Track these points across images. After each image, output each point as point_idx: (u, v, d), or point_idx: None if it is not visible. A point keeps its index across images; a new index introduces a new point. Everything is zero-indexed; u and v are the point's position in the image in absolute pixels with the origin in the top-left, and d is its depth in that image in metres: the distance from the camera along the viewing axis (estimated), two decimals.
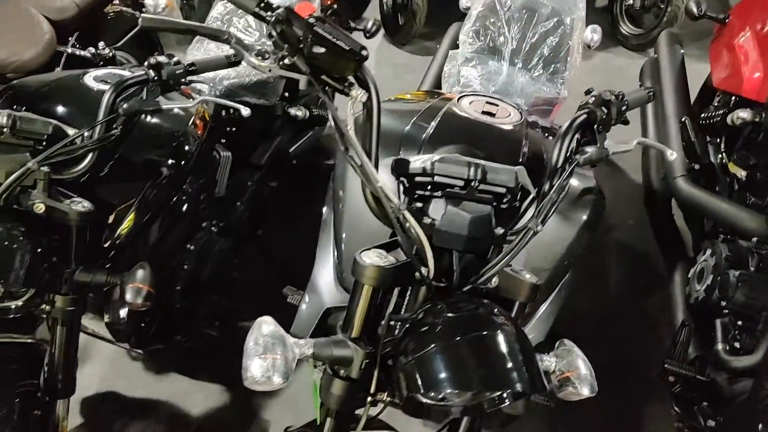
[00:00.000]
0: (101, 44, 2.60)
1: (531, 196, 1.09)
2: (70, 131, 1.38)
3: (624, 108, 1.22)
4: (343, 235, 1.47)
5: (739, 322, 1.60)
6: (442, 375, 0.94)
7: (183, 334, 1.96)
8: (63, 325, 1.45)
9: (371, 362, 1.03)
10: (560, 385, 1.06)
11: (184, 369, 2.26)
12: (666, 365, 1.67)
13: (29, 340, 1.52)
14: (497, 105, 1.67)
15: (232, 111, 1.64)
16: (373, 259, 1.01)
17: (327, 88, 1.06)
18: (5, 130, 1.29)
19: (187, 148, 1.73)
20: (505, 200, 1.08)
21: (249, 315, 2.16)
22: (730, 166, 1.93)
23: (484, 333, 0.97)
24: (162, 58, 1.45)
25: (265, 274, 2.52)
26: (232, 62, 1.56)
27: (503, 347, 0.95)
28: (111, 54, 2.64)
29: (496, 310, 1.02)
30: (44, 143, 1.35)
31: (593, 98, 1.20)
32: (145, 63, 1.45)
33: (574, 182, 1.48)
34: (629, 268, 2.65)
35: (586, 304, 2.21)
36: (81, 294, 1.45)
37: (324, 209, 1.66)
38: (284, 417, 2.12)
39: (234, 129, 2.10)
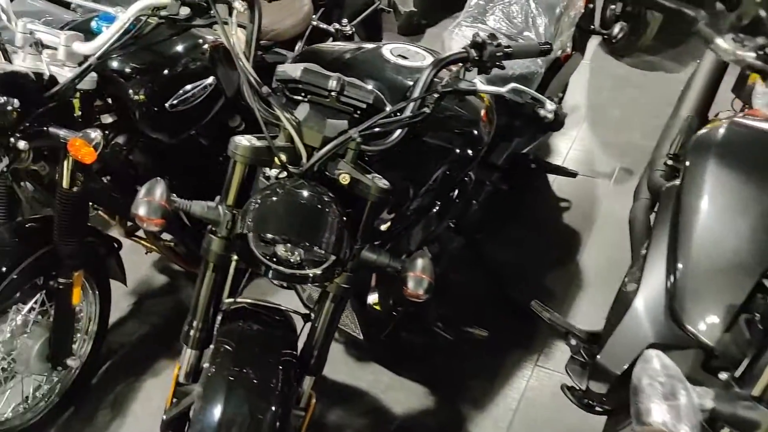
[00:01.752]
0: (344, 21, 2.60)
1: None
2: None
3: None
4: (686, 260, 1.27)
5: None
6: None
7: (410, 331, 1.86)
8: (333, 301, 1.38)
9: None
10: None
11: (388, 362, 2.19)
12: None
13: (293, 310, 1.49)
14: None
15: None
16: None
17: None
18: (333, 93, 1.24)
19: (478, 137, 1.62)
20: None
21: (468, 320, 2.20)
22: None
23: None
24: (485, 37, 1.34)
25: (481, 278, 2.40)
26: (544, 51, 1.43)
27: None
28: (352, 31, 2.63)
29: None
30: (359, 112, 1.28)
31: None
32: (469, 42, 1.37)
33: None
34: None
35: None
36: (355, 273, 1.37)
37: (654, 227, 1.48)
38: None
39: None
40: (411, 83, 1.42)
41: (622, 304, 1.81)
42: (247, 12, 1.40)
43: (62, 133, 1.53)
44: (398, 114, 1.30)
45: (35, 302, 1.79)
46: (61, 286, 1.78)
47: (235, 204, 1.30)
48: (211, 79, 1.88)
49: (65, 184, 1.65)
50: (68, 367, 1.93)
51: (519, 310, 2.30)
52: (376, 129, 1.26)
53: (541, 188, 2.88)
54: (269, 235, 1.21)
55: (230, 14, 1.35)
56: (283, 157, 1.24)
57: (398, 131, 1.31)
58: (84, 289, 1.95)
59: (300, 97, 1.27)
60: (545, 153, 3.08)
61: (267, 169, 1.33)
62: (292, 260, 1.25)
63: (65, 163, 1.62)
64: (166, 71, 1.76)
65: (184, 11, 1.56)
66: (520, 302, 2.33)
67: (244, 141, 1.26)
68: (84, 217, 1.76)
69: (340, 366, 2.19)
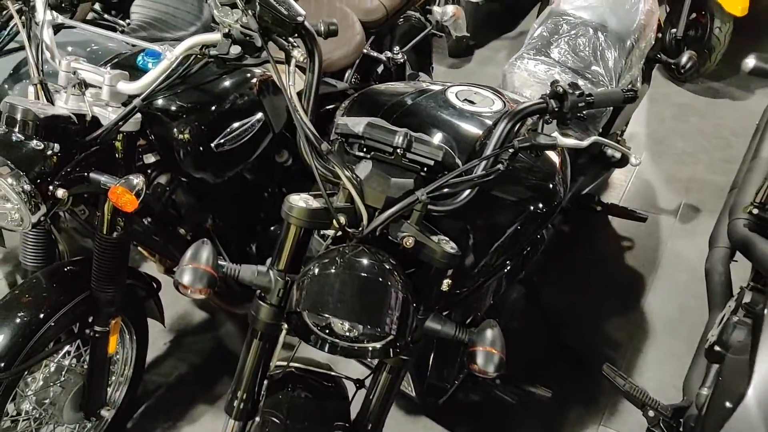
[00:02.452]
0: (396, 48, 2.49)
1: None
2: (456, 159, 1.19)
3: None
4: None
5: None
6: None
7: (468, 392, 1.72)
8: (391, 372, 1.26)
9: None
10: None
11: (440, 418, 2.04)
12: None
13: (345, 376, 1.36)
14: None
15: None
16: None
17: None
18: (399, 150, 1.12)
19: (555, 192, 1.48)
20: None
21: (529, 378, 2.01)
22: None
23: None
24: (566, 87, 1.21)
25: (539, 326, 2.23)
26: (628, 98, 1.28)
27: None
28: (403, 59, 2.52)
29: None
30: (426, 170, 1.16)
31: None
32: (546, 91, 1.23)
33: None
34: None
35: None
36: (416, 344, 1.24)
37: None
38: None
39: None
40: (480, 133, 1.30)
41: (703, 367, 1.66)
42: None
43: (103, 179, 1.44)
44: (469, 172, 1.16)
45: (70, 349, 1.71)
46: (97, 335, 1.69)
47: (287, 269, 1.18)
48: (259, 116, 1.78)
49: (104, 230, 1.56)
50: (102, 417, 1.84)
51: (579, 363, 2.13)
52: (445, 189, 1.12)
53: (601, 225, 2.70)
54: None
55: (288, 63, 1.24)
56: (342, 220, 1.12)
57: (468, 190, 1.17)
58: (121, 333, 1.86)
59: (361, 153, 1.15)
60: (602, 187, 2.90)
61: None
62: (349, 334, 1.12)
63: (105, 208, 1.53)
64: (212, 109, 1.66)
65: (235, 50, 1.46)
66: (581, 354, 2.17)
67: (300, 202, 1.15)
68: (124, 263, 1.67)
69: (388, 419, 2.06)
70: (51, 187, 1.37)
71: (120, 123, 1.46)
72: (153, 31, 2.75)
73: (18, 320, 1.54)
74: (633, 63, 2.05)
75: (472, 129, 1.40)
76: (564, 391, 2.06)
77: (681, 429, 1.47)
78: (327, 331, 1.13)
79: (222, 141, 1.69)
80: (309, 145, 1.15)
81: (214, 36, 1.48)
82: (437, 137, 1.37)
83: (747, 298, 1.56)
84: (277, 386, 1.28)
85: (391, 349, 1.12)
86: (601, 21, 2.00)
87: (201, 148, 1.66)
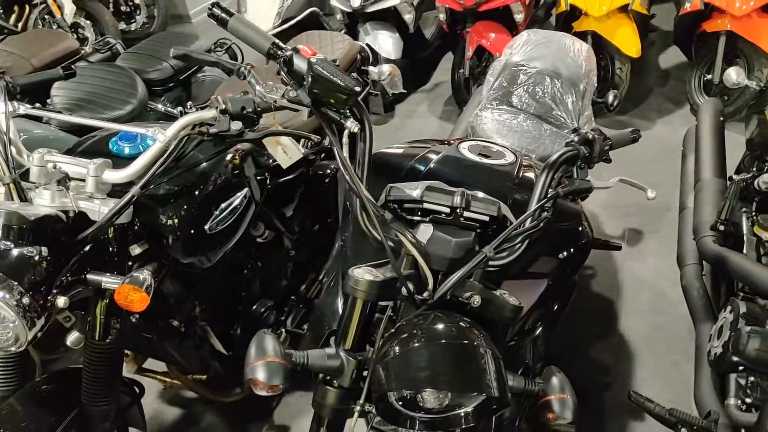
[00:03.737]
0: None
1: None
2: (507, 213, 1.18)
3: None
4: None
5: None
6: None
7: None
8: None
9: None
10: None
11: None
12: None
13: None
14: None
15: None
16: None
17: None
18: (459, 210, 1.10)
19: (585, 234, 1.51)
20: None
21: None
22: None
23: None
24: (593, 133, 1.26)
25: None
26: (635, 138, 1.40)
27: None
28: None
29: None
30: (480, 227, 1.15)
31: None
32: (573, 138, 1.28)
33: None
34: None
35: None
36: None
37: None
38: None
39: None
40: (508, 185, 1.32)
41: (709, 378, 1.74)
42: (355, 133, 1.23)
43: (105, 279, 1.30)
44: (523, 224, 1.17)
45: None
46: None
47: (355, 347, 1.11)
48: (245, 191, 1.70)
49: (97, 335, 1.40)
50: None
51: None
52: (505, 243, 1.12)
53: None
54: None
55: (341, 137, 1.19)
56: (411, 287, 1.08)
57: (522, 242, 1.18)
58: None
59: (417, 217, 1.12)
60: None
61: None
62: (439, 406, 1.06)
63: (97, 311, 1.38)
64: (202, 190, 1.57)
65: (235, 125, 1.39)
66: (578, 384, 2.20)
67: (366, 275, 1.09)
68: (119, 370, 1.50)
69: None
70: (50, 297, 1.22)
71: (114, 217, 1.33)
72: (82, 113, 2.58)
73: None
74: (586, 104, 2.19)
75: (499, 182, 1.42)
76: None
77: None
78: (413, 408, 1.06)
79: (214, 222, 1.59)
80: (366, 215, 1.11)
81: (210, 113, 1.41)
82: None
83: (743, 308, 1.66)
84: None
85: (487, 410, 1.06)
86: (554, 69, 2.13)
87: (193, 232, 1.55)
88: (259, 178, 1.77)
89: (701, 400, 1.72)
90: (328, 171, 2.37)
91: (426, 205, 1.14)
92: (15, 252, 1.19)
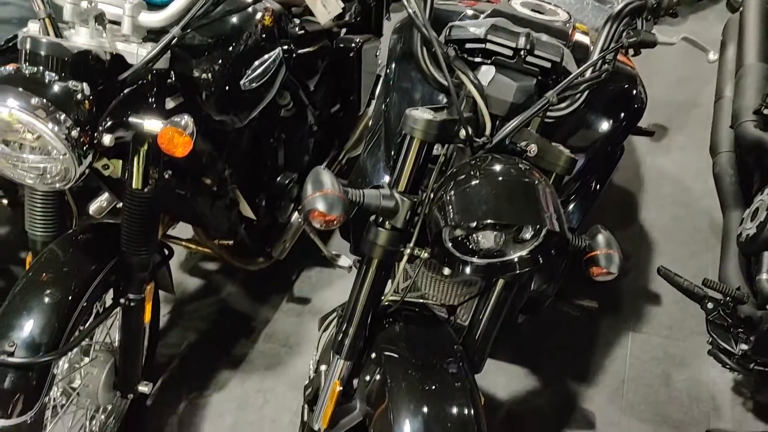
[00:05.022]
0: None
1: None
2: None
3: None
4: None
5: None
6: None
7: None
8: (504, 289, 1.22)
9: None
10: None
11: None
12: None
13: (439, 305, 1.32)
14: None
15: None
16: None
17: None
18: (523, 53, 1.06)
19: (639, 98, 1.47)
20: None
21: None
22: None
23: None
24: None
25: None
26: None
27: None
28: None
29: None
30: (540, 73, 1.12)
31: None
32: None
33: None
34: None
35: None
36: None
37: None
38: None
39: None
40: (564, 44, 1.28)
41: (736, 261, 1.77)
42: None
43: (147, 123, 1.27)
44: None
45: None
46: (132, 303, 1.53)
47: (411, 189, 1.11)
48: (277, 51, 1.65)
49: (136, 184, 1.39)
50: (140, 393, 1.69)
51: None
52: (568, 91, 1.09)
53: None
54: (473, 224, 1.02)
55: None
56: (470, 130, 1.06)
57: (583, 93, 1.15)
58: None
59: (478, 59, 1.08)
60: None
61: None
62: (494, 247, 1.05)
63: (137, 158, 1.37)
64: (234, 45, 1.51)
65: None
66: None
67: (425, 114, 1.07)
68: (157, 221, 1.51)
69: None
70: (96, 134, 1.20)
71: (154, 59, 1.29)
72: None
73: (48, 301, 1.34)
74: None
75: (555, 37, 1.36)
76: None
77: (740, 315, 1.58)
78: (466, 253, 1.06)
79: (249, 79, 1.55)
80: (428, 53, 1.07)
81: None
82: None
83: None
84: (387, 320, 1.21)
85: (545, 250, 1.05)
86: None
87: (228, 88, 1.51)
88: (285, 47, 1.71)
89: (726, 279, 1.76)
90: (352, 45, 2.31)
91: (489, 46, 1.09)
92: (60, 84, 1.16)
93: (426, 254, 1.12)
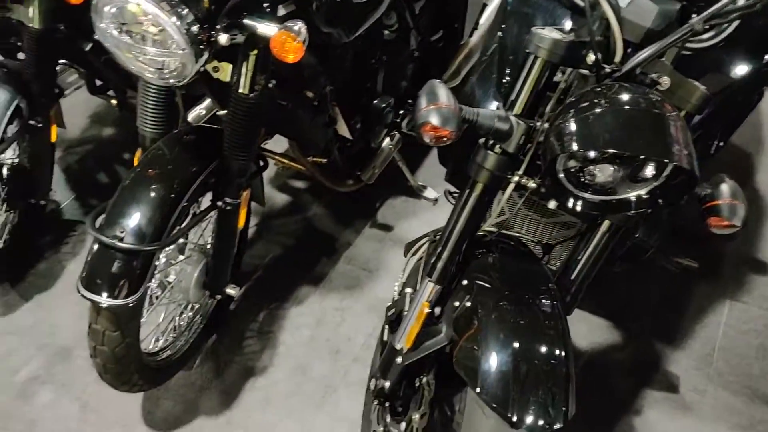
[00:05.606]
0: None
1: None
2: None
3: None
4: None
5: None
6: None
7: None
8: (609, 231, 1.17)
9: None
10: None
11: None
12: None
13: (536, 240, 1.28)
14: None
15: None
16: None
17: None
18: None
19: None
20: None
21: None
22: None
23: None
24: None
25: None
26: None
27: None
28: None
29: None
30: None
31: None
32: None
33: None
34: None
35: None
36: None
37: None
38: None
39: None
40: None
41: None
42: None
43: (262, 26, 1.26)
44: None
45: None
46: (228, 207, 1.57)
47: (528, 113, 1.05)
48: None
49: (243, 88, 1.40)
50: (227, 295, 1.76)
51: (699, 240, 2.09)
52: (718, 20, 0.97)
53: None
54: (593, 154, 0.95)
55: None
56: (599, 55, 0.98)
57: (731, 24, 1.03)
58: None
59: None
60: None
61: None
62: (610, 182, 0.97)
63: (247, 63, 1.36)
64: None
65: None
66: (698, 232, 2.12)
67: (553, 33, 1.00)
68: (258, 129, 1.52)
69: None
70: (213, 32, 1.20)
71: None
72: None
73: (154, 195, 1.39)
74: None
75: None
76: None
77: None
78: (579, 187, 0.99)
79: None
80: None
81: None
82: None
83: None
84: (482, 250, 1.19)
85: (674, 190, 0.95)
86: None
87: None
88: None
89: None
90: None
91: None
92: None
93: (534, 184, 1.07)
